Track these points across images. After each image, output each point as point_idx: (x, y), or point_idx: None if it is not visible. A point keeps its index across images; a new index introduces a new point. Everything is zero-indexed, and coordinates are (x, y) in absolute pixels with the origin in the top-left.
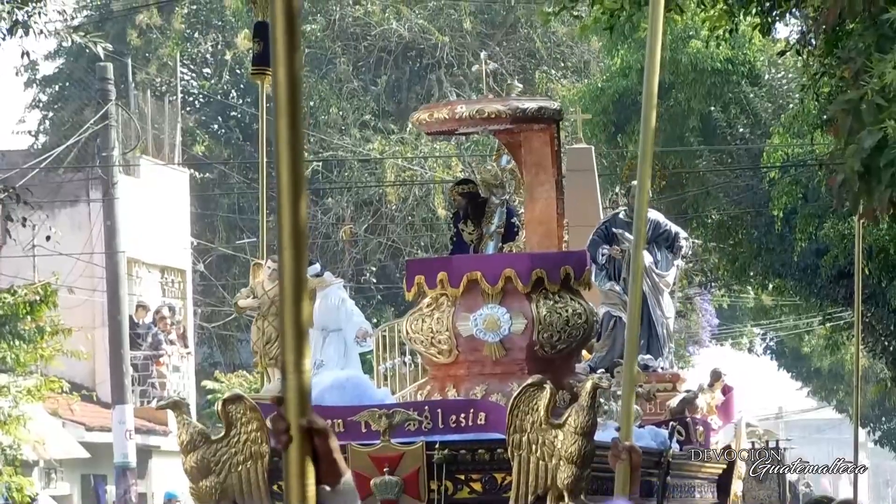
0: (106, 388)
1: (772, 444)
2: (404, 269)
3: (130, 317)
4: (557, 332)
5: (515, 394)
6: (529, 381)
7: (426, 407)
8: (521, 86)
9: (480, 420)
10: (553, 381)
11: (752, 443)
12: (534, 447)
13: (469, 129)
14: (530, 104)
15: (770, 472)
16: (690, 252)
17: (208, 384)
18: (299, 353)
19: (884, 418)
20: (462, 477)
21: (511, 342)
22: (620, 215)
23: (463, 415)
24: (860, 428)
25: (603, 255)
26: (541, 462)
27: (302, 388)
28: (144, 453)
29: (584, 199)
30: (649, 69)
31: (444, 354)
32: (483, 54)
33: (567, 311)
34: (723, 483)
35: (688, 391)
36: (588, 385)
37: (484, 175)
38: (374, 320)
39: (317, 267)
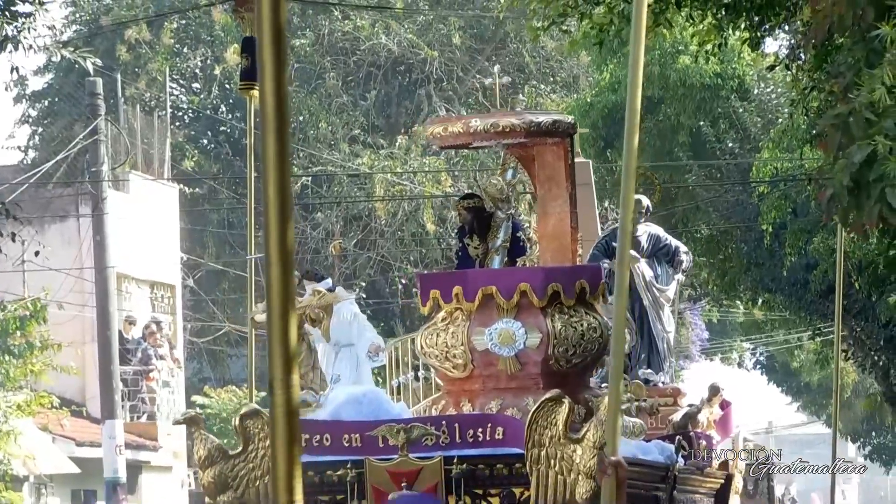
0: (96, 403)
1: (762, 459)
2: (414, 282)
3: (119, 332)
4: (573, 346)
5: (534, 408)
6: (548, 395)
7: (443, 421)
8: (525, 99)
9: (498, 435)
10: (568, 396)
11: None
12: (552, 462)
13: (483, 143)
14: (545, 118)
15: (770, 471)
16: (690, 266)
17: (198, 399)
18: (287, 369)
19: (874, 433)
20: (480, 492)
21: (526, 356)
22: None
23: (480, 429)
24: (850, 443)
25: (604, 270)
26: (559, 477)
27: (290, 403)
28: (134, 468)
29: (582, 214)
30: (632, 82)
31: (459, 369)
32: (496, 67)
33: (582, 325)
34: (720, 498)
35: (690, 405)
36: (606, 399)
37: (489, 189)
38: (398, 338)
39: (328, 282)
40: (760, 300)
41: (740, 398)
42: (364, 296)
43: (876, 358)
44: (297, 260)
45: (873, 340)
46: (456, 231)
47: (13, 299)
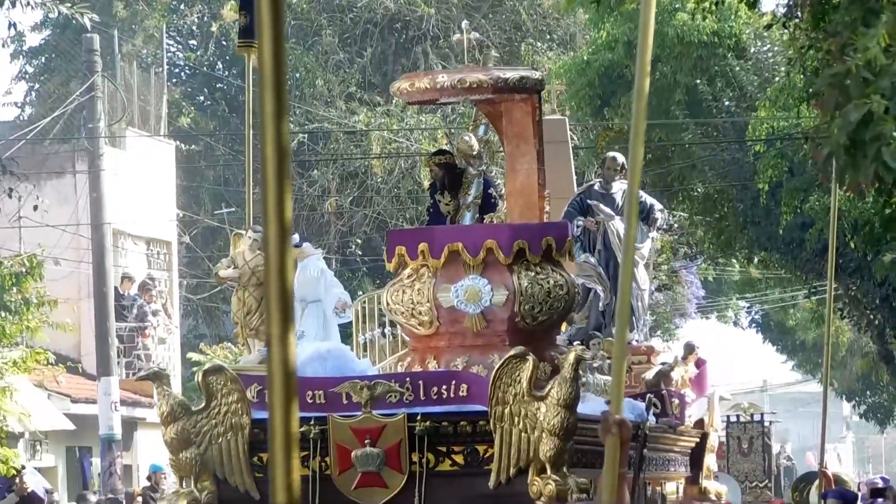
0: (91, 359)
1: (756, 418)
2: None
3: (116, 288)
4: (539, 303)
5: (498, 366)
6: (512, 352)
7: (408, 378)
8: (498, 55)
9: (462, 392)
10: (534, 354)
11: (738, 416)
12: (516, 419)
13: (450, 99)
14: (512, 74)
15: (766, 430)
16: (666, 224)
17: (194, 356)
18: (285, 326)
19: (869, 392)
20: (444, 449)
21: (492, 314)
22: (595, 187)
23: (444, 387)
24: (845, 402)
25: (578, 227)
26: (523, 434)
27: (287, 360)
28: (130, 425)
29: (557, 171)
30: (642, 42)
31: (425, 326)
32: (465, 23)
33: (548, 282)
34: (695, 456)
35: (663, 364)
36: (571, 357)
37: (461, 146)
38: (360, 293)
39: (296, 237)
40: (756, 259)
41: (735, 357)
42: (360, 252)
43: (871, 317)
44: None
45: (869, 299)
46: (428, 187)
47: (9, 255)
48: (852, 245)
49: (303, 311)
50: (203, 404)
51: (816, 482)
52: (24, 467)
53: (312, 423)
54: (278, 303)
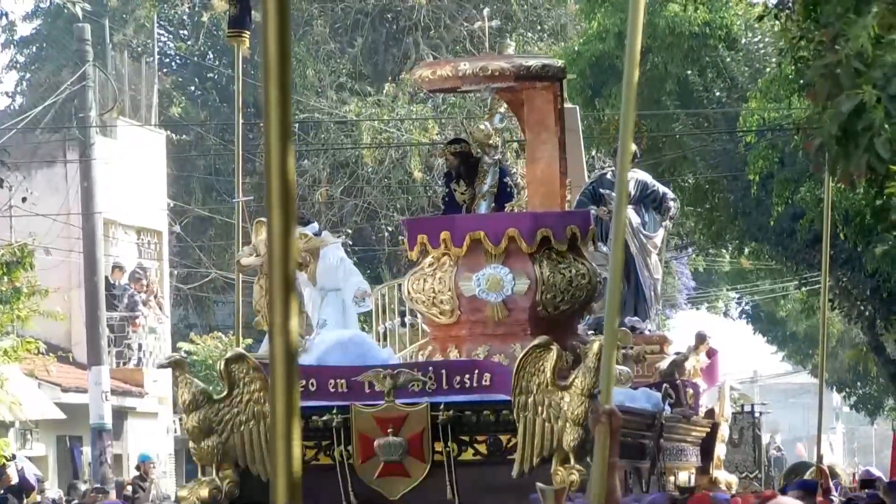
0: (82, 349)
1: (747, 409)
2: (401, 230)
3: (106, 278)
4: (560, 292)
5: (521, 355)
6: (536, 342)
7: (430, 367)
8: (513, 44)
9: (485, 381)
10: (556, 343)
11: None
12: (539, 409)
13: (472, 87)
14: (534, 62)
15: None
16: (677, 213)
17: (184, 346)
18: (286, 314)
19: (859, 383)
20: (467, 438)
21: (514, 303)
22: (608, 175)
23: (467, 376)
24: (836, 393)
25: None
26: (546, 424)
27: (289, 348)
28: (120, 415)
29: (569, 160)
30: (631, 32)
31: (446, 315)
32: (486, 11)
33: (570, 271)
34: (706, 446)
35: (677, 353)
36: (595, 346)
37: (477, 134)
38: (385, 283)
39: (315, 226)
40: (747, 249)
41: (725, 347)
42: (350, 243)
43: (862, 308)
44: None
45: (859, 290)
46: (443, 176)
47: (0, 245)
48: (843, 236)
49: (322, 300)
50: (225, 393)
51: (807, 473)
52: (14, 456)
53: (335, 411)
54: (281, 291)
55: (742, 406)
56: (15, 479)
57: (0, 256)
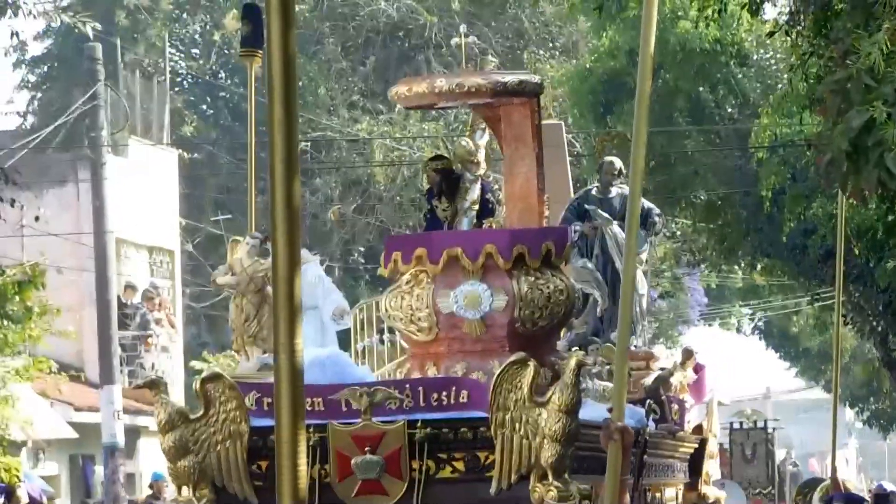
0: (94, 368)
1: (760, 425)
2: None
3: (118, 297)
4: (539, 308)
5: (498, 371)
6: (513, 358)
7: (407, 385)
8: (495, 60)
9: (462, 398)
10: (534, 359)
11: (741, 423)
12: (517, 425)
13: (448, 104)
14: (511, 77)
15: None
16: (665, 229)
17: (196, 364)
18: (292, 333)
19: (872, 399)
20: (444, 456)
21: (492, 319)
22: (593, 191)
23: (445, 393)
24: (848, 409)
25: (575, 232)
26: (524, 440)
27: (294, 368)
28: (132, 433)
29: (554, 176)
30: (644, 49)
31: (424, 332)
32: (463, 27)
33: (549, 287)
34: (694, 463)
35: (662, 369)
36: (572, 362)
37: (459, 151)
38: (363, 300)
39: None
40: (759, 265)
41: (738, 363)
42: (363, 260)
43: (874, 323)
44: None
45: (872, 306)
46: (424, 193)
47: (12, 264)
48: (855, 251)
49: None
50: (201, 412)
51: (820, 487)
52: (20, 480)
53: (312, 430)
54: (286, 311)
55: (755, 422)
56: (25, 500)
57: (12, 276)
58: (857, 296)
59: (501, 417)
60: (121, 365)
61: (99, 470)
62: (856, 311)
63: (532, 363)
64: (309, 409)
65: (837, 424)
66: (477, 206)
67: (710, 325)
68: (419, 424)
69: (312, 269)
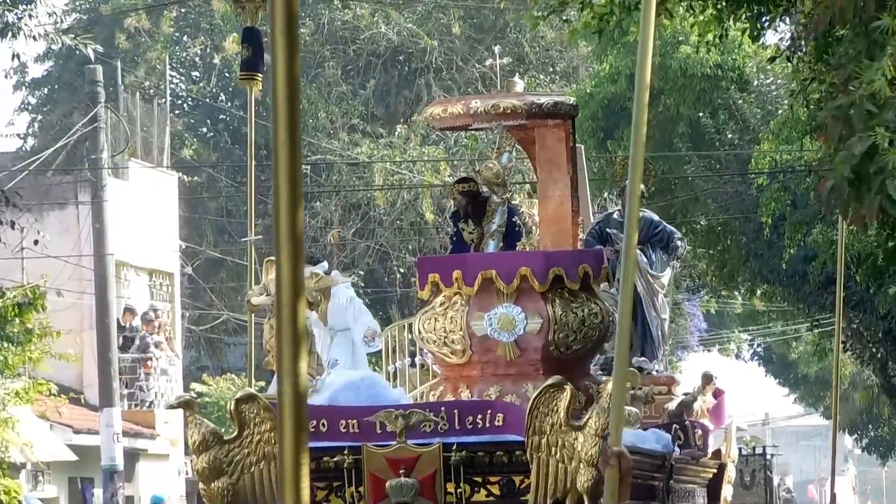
0: (94, 390)
1: (759, 451)
2: (413, 270)
3: (118, 320)
4: (573, 332)
5: (535, 395)
6: (549, 381)
7: (442, 408)
8: (521, 82)
9: (498, 421)
10: (568, 383)
11: (740, 449)
12: (553, 449)
13: (483, 125)
14: (546, 99)
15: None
16: (684, 252)
17: (196, 387)
18: (295, 358)
19: (870, 425)
20: (479, 479)
21: (526, 342)
22: (614, 215)
23: (480, 416)
24: (847, 435)
25: None
26: (560, 465)
27: (297, 393)
28: (132, 456)
29: None
30: (640, 72)
31: (458, 354)
32: (497, 48)
33: (583, 311)
34: (713, 487)
35: (686, 394)
36: (608, 387)
37: (485, 173)
38: (394, 322)
39: (325, 265)
40: (759, 291)
41: (737, 389)
42: (363, 284)
43: (874, 350)
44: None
45: (871, 332)
46: (451, 215)
47: (12, 286)
48: (856, 278)
49: (332, 340)
50: (235, 433)
51: None
52: (20, 502)
53: (346, 452)
54: (290, 335)
55: (754, 448)
56: None
57: (12, 298)
58: (856, 322)
59: (537, 441)
60: (120, 388)
61: (98, 493)
62: (855, 338)
63: (568, 387)
64: (343, 430)
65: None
66: (503, 230)
67: (709, 350)
68: (454, 447)
69: (343, 291)
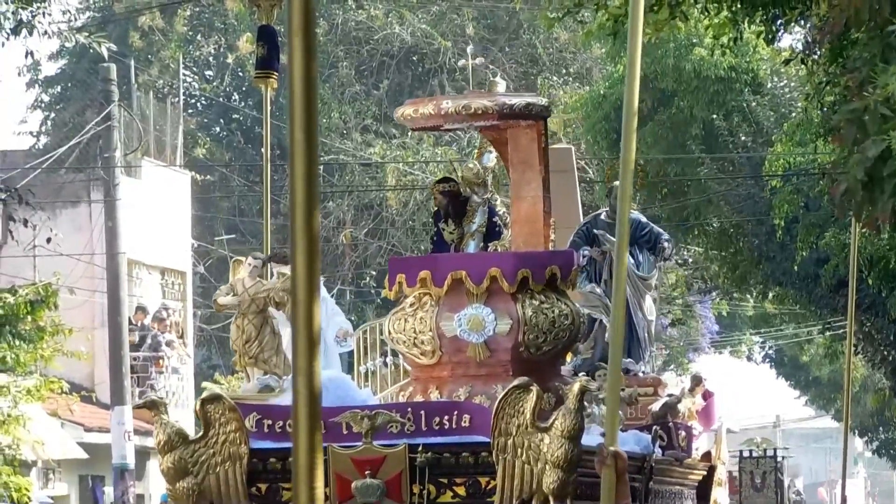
0: (105, 389)
1: (769, 453)
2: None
3: (130, 318)
4: (543, 333)
5: (501, 396)
6: (515, 383)
7: (409, 408)
8: (503, 82)
9: (464, 422)
10: (538, 384)
11: (751, 451)
12: (519, 451)
13: (455, 126)
14: (517, 100)
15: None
16: (672, 254)
17: (208, 386)
18: (311, 357)
19: (881, 428)
20: (445, 480)
21: (496, 343)
22: (602, 216)
23: (447, 417)
24: (858, 438)
25: (584, 257)
26: (526, 466)
27: (312, 392)
28: (143, 455)
29: (564, 201)
30: (630, 75)
31: (427, 355)
32: (469, 48)
33: (553, 311)
34: (702, 490)
35: (670, 395)
36: (575, 388)
37: (465, 174)
38: (367, 323)
39: None
40: (771, 294)
41: (748, 391)
42: (374, 284)
43: (885, 353)
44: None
45: (883, 335)
46: (432, 215)
47: (24, 284)
48: (868, 281)
49: None
50: (200, 433)
51: None
52: (30, 500)
53: None
54: (305, 335)
55: (765, 450)
56: None
57: (24, 296)
58: (868, 325)
59: (503, 442)
60: (132, 386)
61: (109, 491)
62: (867, 341)
63: (535, 388)
64: None
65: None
66: (484, 230)
67: (720, 352)
68: (420, 448)
69: None
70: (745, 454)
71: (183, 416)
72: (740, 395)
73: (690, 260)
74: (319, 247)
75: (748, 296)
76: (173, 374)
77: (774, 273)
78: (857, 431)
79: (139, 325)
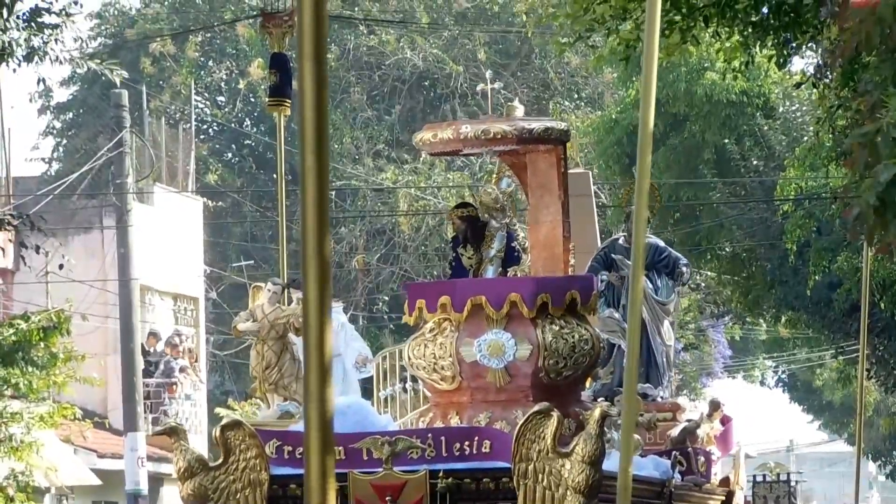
0: (118, 415)
1: (783, 478)
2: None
3: (142, 344)
4: (563, 358)
5: (522, 421)
6: (536, 408)
7: (429, 434)
8: (522, 107)
9: (485, 448)
10: (559, 409)
11: (765, 475)
12: (540, 476)
13: (474, 150)
14: (536, 125)
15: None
16: (690, 279)
17: (221, 412)
18: (322, 383)
19: (895, 452)
20: None
21: (516, 369)
22: (620, 241)
23: (467, 443)
24: (871, 462)
25: (602, 282)
26: (547, 492)
27: (324, 417)
28: (156, 481)
29: (581, 225)
30: (645, 100)
31: (447, 381)
32: (488, 73)
33: (573, 337)
34: None
35: (689, 421)
36: (596, 413)
37: (484, 198)
38: (386, 349)
39: None
40: (784, 318)
41: (761, 416)
42: (387, 310)
43: None
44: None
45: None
46: (450, 241)
47: (37, 310)
48: (880, 306)
49: None
50: (221, 460)
51: None
52: None
53: None
54: (317, 361)
55: (778, 475)
56: None
57: (37, 322)
58: (881, 349)
59: (524, 468)
60: (145, 412)
61: None
62: (880, 365)
63: (555, 413)
64: None
65: (860, 477)
66: (503, 255)
67: (733, 377)
68: (441, 474)
69: (334, 317)
70: (759, 479)
71: (196, 442)
72: (754, 419)
73: (703, 284)
74: (331, 272)
75: (761, 320)
76: (186, 400)
77: (787, 297)
78: (870, 455)
79: (152, 350)
